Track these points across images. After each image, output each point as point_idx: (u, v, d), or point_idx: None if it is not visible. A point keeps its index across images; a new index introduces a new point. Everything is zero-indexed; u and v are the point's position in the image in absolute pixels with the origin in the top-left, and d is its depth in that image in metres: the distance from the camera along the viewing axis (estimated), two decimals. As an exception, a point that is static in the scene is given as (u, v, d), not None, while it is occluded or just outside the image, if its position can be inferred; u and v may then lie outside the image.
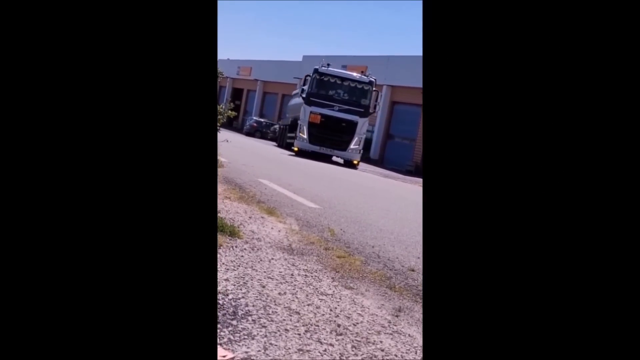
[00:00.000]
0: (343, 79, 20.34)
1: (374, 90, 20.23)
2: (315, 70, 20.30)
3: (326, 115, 19.71)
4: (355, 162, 19.93)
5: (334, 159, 20.15)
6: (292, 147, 20.75)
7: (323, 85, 20.17)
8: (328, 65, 20.54)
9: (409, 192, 12.81)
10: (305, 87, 20.25)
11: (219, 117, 8.93)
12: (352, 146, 19.70)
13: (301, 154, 19.58)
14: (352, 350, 2.38)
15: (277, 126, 31.00)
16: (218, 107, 9.08)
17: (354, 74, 20.74)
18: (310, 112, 19.81)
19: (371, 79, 20.31)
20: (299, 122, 20.61)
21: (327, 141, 19.59)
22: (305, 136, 19.88)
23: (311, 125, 19.82)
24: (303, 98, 20.30)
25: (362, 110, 19.90)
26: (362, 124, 19.91)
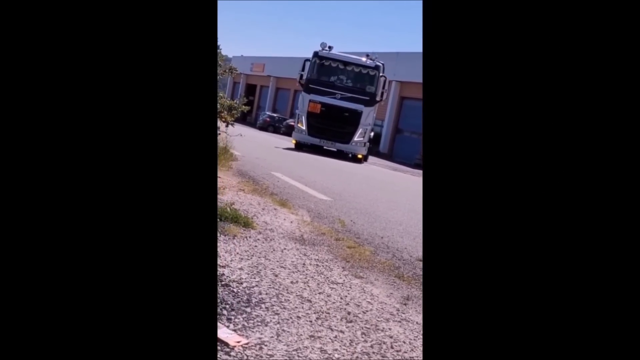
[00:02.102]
0: (346, 63, 17.17)
1: (381, 76, 17.06)
2: (315, 54, 17.18)
3: (327, 104, 16.69)
4: (359, 156, 17.10)
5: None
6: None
7: (324, 70, 17.15)
8: (330, 48, 17.32)
9: (417, 185, 12.75)
10: (304, 73, 17.15)
11: (233, 111, 8.94)
12: (355, 138, 16.79)
13: (300, 147, 17.03)
14: (362, 337, 2.38)
15: (289, 121, 30.97)
16: (232, 102, 9.09)
17: (359, 58, 17.47)
18: (310, 101, 16.82)
19: (378, 63, 17.18)
20: (297, 111, 17.83)
21: (328, 133, 16.75)
22: (304, 127, 16.97)
23: (310, 116, 16.84)
24: (301, 85, 17.33)
25: (367, 98, 16.85)
26: (368, 114, 16.86)
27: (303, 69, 17.16)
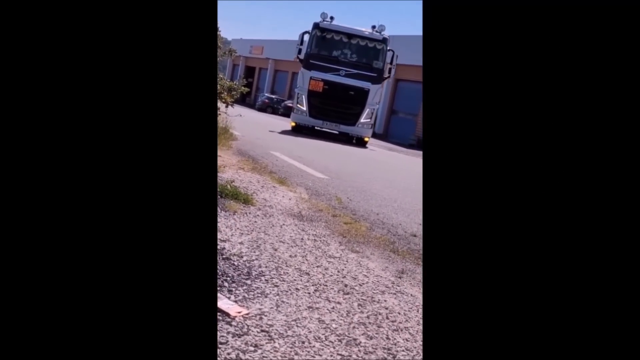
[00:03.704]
0: (350, 36, 14.86)
1: (389, 50, 14.86)
2: (316, 26, 14.80)
3: (330, 82, 14.48)
4: (366, 138, 15.13)
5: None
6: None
7: (325, 44, 14.85)
8: (332, 19, 14.92)
9: (411, 164, 12.76)
10: (303, 48, 14.82)
11: (232, 93, 8.87)
12: (362, 119, 14.72)
13: (299, 130, 14.94)
14: (358, 308, 2.40)
15: (287, 102, 30.76)
16: (232, 83, 9.01)
17: (364, 29, 15.03)
18: (310, 78, 14.57)
19: (385, 35, 14.91)
20: (296, 91, 15.49)
21: (332, 114, 14.65)
22: (304, 108, 14.75)
23: (312, 95, 14.59)
24: (300, 60, 14.96)
25: (374, 75, 14.69)
26: (375, 92, 14.71)
27: (301, 43, 14.89)
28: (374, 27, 15.03)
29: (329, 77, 14.60)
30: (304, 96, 14.82)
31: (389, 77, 15.53)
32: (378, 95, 15.11)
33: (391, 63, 14.97)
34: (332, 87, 14.56)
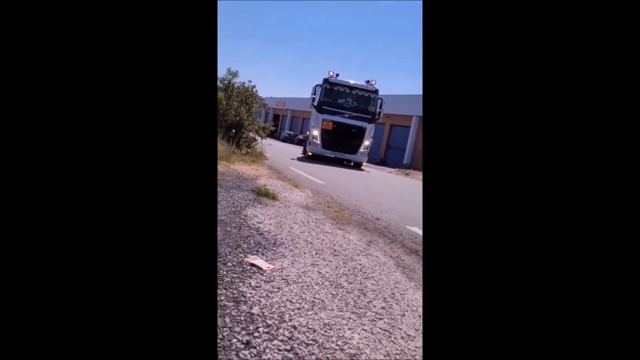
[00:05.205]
0: (351, 87, 13.48)
1: (379, 98, 13.53)
2: (325, 80, 13.42)
3: (337, 122, 13.15)
4: (363, 163, 13.84)
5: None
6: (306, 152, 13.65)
7: (333, 94, 13.38)
8: (337, 75, 13.59)
9: (379, 175, 12.72)
10: (316, 97, 13.44)
11: (265, 130, 8.90)
12: (361, 150, 13.41)
13: (314, 158, 13.29)
14: (343, 264, 2.40)
15: (300, 136, 30.59)
16: (265, 124, 9.04)
17: (361, 83, 13.66)
18: (323, 120, 13.14)
19: (376, 87, 13.63)
20: (310, 128, 13.76)
21: (339, 146, 13.28)
22: (318, 142, 13.26)
23: (324, 132, 13.17)
24: (314, 107, 13.39)
25: (369, 116, 13.35)
26: (370, 130, 13.36)
27: (314, 93, 13.36)
28: (367, 81, 13.59)
29: (337, 118, 13.12)
30: (318, 133, 13.21)
31: (379, 118, 14.06)
32: (372, 132, 13.89)
33: (380, 107, 13.93)
34: (339, 126, 13.10)
